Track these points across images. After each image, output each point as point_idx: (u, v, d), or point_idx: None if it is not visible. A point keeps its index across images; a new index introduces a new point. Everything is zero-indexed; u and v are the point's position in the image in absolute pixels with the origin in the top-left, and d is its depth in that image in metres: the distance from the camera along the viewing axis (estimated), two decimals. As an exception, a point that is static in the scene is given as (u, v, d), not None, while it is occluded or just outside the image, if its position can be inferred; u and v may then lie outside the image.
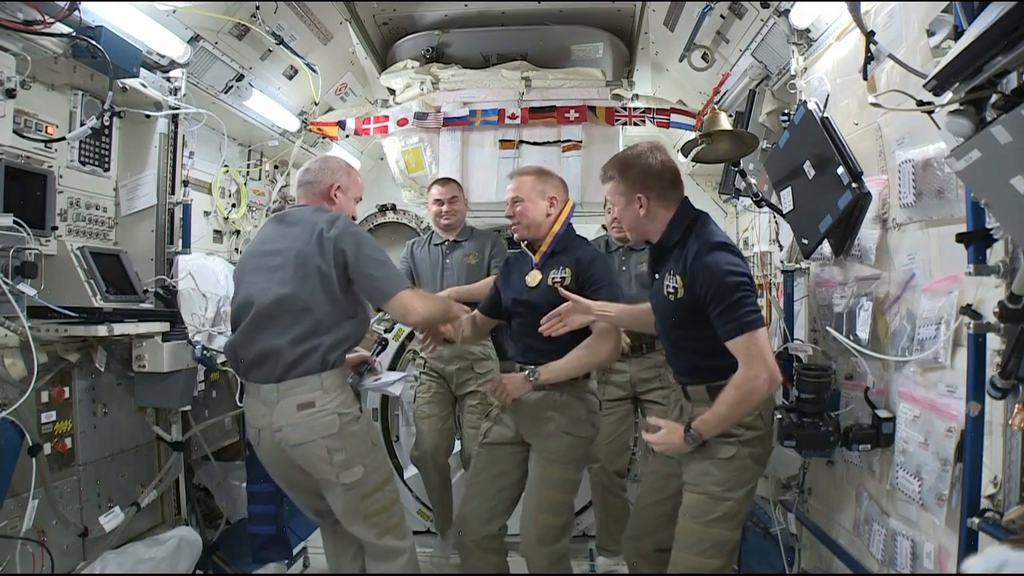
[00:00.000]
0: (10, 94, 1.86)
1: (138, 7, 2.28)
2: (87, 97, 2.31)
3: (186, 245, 2.71)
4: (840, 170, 1.85)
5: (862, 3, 1.72)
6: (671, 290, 1.84)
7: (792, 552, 2.44)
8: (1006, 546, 1.14)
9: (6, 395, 1.91)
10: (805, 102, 2.07)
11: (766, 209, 2.57)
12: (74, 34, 1.99)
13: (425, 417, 3.09)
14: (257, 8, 2.72)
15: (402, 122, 3.35)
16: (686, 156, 2.37)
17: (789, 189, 2.17)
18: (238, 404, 2.65)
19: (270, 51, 3.00)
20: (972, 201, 1.37)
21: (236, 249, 3.46)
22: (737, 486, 1.80)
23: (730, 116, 2.53)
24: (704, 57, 3.04)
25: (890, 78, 1.73)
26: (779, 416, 1.96)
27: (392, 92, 3.48)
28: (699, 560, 1.80)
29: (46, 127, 2.14)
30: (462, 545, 2.31)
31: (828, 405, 1.97)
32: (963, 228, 1.40)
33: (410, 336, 3.41)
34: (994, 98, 1.15)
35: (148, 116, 2.51)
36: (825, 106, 2.07)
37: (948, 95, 1.27)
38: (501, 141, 3.31)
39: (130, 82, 2.30)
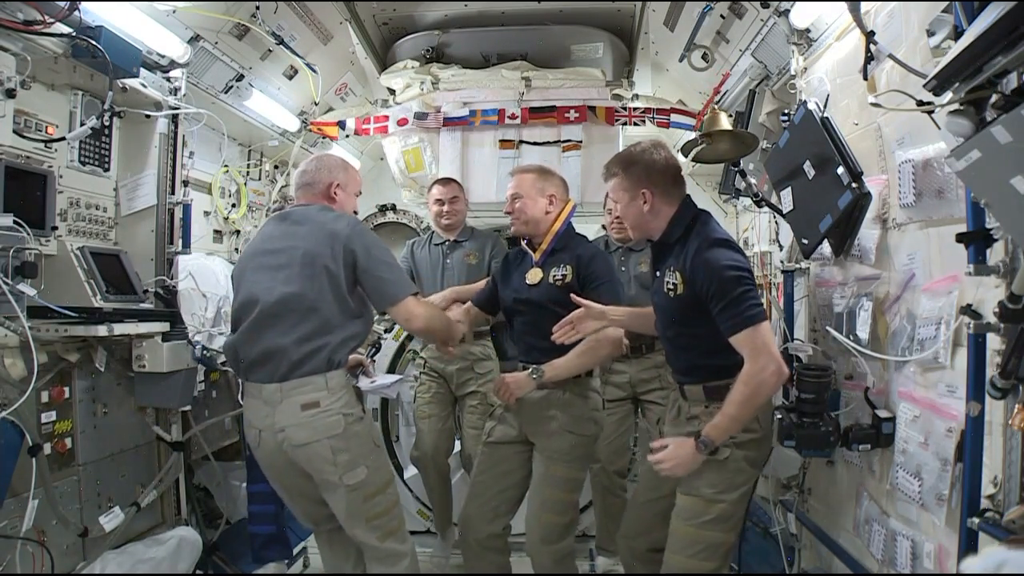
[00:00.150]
0: (10, 94, 1.86)
1: (138, 7, 2.28)
2: (87, 97, 2.31)
3: (186, 245, 2.71)
4: (840, 170, 1.86)
5: (862, 3, 1.72)
6: (671, 287, 1.84)
7: (792, 552, 2.44)
8: (1004, 546, 1.14)
9: (6, 395, 1.91)
10: (805, 102, 2.07)
11: (766, 209, 2.57)
12: (74, 34, 1.99)
13: (425, 417, 3.08)
14: (257, 8, 2.72)
15: (402, 122, 3.35)
16: (686, 156, 2.37)
17: (789, 189, 2.17)
18: (239, 403, 2.65)
19: (270, 51, 3.00)
20: (972, 201, 1.37)
21: (236, 249, 3.46)
22: (731, 489, 1.78)
23: (730, 116, 2.53)
24: (704, 57, 3.04)
25: (890, 78, 1.73)
26: (779, 416, 1.96)
27: (392, 92, 3.48)
28: (692, 563, 1.79)
29: (46, 127, 2.14)
30: (465, 544, 2.31)
31: (828, 405, 1.97)
32: (963, 228, 1.40)
33: (410, 336, 3.41)
34: (994, 98, 1.15)
35: (148, 116, 2.51)
36: (825, 106, 2.07)
37: (948, 95, 1.27)
38: (501, 141, 3.31)
39: (130, 82, 2.30)
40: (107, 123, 2.40)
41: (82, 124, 2.24)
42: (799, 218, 2.15)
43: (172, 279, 2.55)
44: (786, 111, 2.36)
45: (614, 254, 2.98)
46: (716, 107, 2.56)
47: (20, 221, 1.88)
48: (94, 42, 1.99)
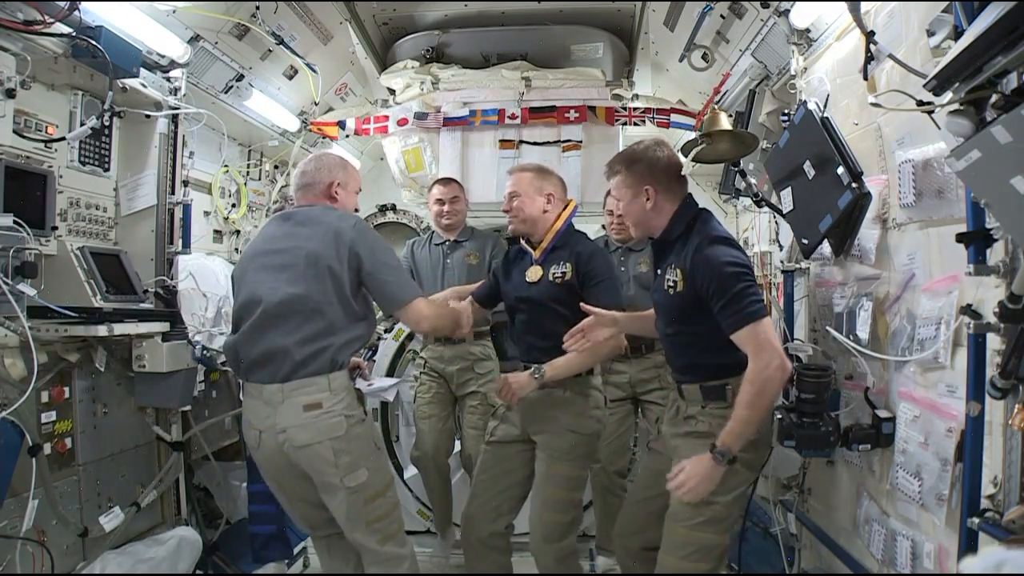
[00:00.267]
0: (10, 94, 1.86)
1: (138, 7, 2.28)
2: (87, 97, 2.31)
3: (186, 245, 2.71)
4: (840, 170, 1.85)
5: (862, 3, 1.71)
6: (671, 284, 1.84)
7: (792, 552, 2.44)
8: (1003, 546, 1.14)
9: (6, 395, 1.91)
10: (805, 102, 2.07)
11: (766, 209, 2.57)
12: (74, 34, 1.99)
13: (425, 417, 3.08)
14: (257, 8, 2.72)
15: (402, 122, 3.35)
16: (686, 156, 2.36)
17: (789, 189, 2.17)
18: (240, 403, 2.65)
19: (270, 51, 3.00)
20: (972, 201, 1.37)
21: (236, 249, 3.46)
22: (724, 491, 1.76)
23: (730, 116, 2.53)
24: (704, 57, 3.04)
25: (890, 78, 1.73)
26: (779, 416, 1.96)
27: (392, 92, 3.48)
28: (685, 564, 1.78)
29: (46, 127, 2.14)
30: (467, 543, 2.31)
31: (828, 405, 1.97)
32: (963, 228, 1.40)
33: (410, 336, 3.41)
34: (994, 98, 1.15)
35: (148, 116, 2.51)
36: (825, 106, 2.07)
37: (948, 95, 1.26)
38: (501, 141, 3.31)
39: (130, 82, 2.30)
40: (107, 123, 2.40)
41: (82, 124, 2.24)
42: (799, 218, 2.15)
43: (172, 279, 2.55)
44: (786, 111, 2.36)
45: (613, 254, 2.98)
46: (716, 107, 2.55)
47: (20, 221, 1.88)
48: (94, 42, 1.99)
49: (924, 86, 1.28)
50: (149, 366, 2.36)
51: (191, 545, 2.54)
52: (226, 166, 3.28)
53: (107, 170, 2.49)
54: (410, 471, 3.34)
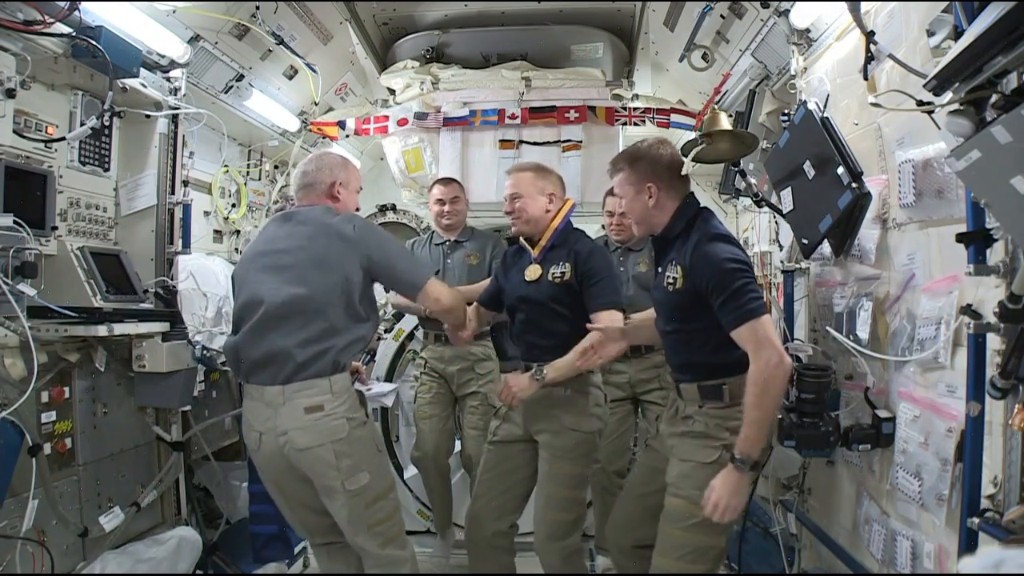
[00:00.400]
0: (10, 94, 1.86)
1: (138, 7, 2.28)
2: (87, 97, 2.31)
3: (186, 245, 2.71)
4: (840, 170, 1.86)
5: (862, 3, 1.71)
6: (671, 280, 1.84)
7: (792, 552, 2.44)
8: (1000, 547, 1.14)
9: (6, 395, 1.91)
10: (805, 102, 2.08)
11: (766, 209, 2.57)
12: (74, 34, 1.99)
13: (426, 417, 3.08)
14: (257, 8, 2.71)
15: (402, 122, 3.35)
16: (686, 156, 2.37)
17: (789, 189, 2.17)
18: (240, 403, 2.65)
19: (270, 51, 3.00)
20: (972, 201, 1.37)
21: (236, 249, 3.46)
22: None
23: (730, 116, 2.53)
24: (704, 57, 3.04)
25: (890, 78, 1.73)
26: (779, 416, 1.96)
27: (392, 92, 3.48)
28: (680, 566, 1.78)
29: (46, 127, 2.14)
30: (471, 543, 2.31)
31: (828, 405, 1.97)
32: (963, 228, 1.40)
33: (410, 336, 3.41)
34: (994, 98, 1.15)
35: (148, 116, 2.51)
36: (825, 106, 2.07)
37: (948, 95, 1.27)
38: (501, 141, 3.30)
39: (130, 82, 2.30)
40: (107, 123, 2.40)
41: (82, 124, 2.23)
42: (799, 218, 2.15)
43: (172, 279, 2.55)
44: (786, 111, 2.37)
45: (613, 254, 2.98)
46: (716, 107, 2.55)
47: (20, 221, 1.87)
48: (94, 42, 1.99)
49: (924, 86, 1.28)
50: (149, 366, 2.36)
51: (191, 545, 2.54)
52: (226, 166, 3.28)
53: (107, 170, 2.49)
54: (410, 471, 3.34)
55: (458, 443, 3.29)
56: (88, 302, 2.14)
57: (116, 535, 2.32)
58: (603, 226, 3.22)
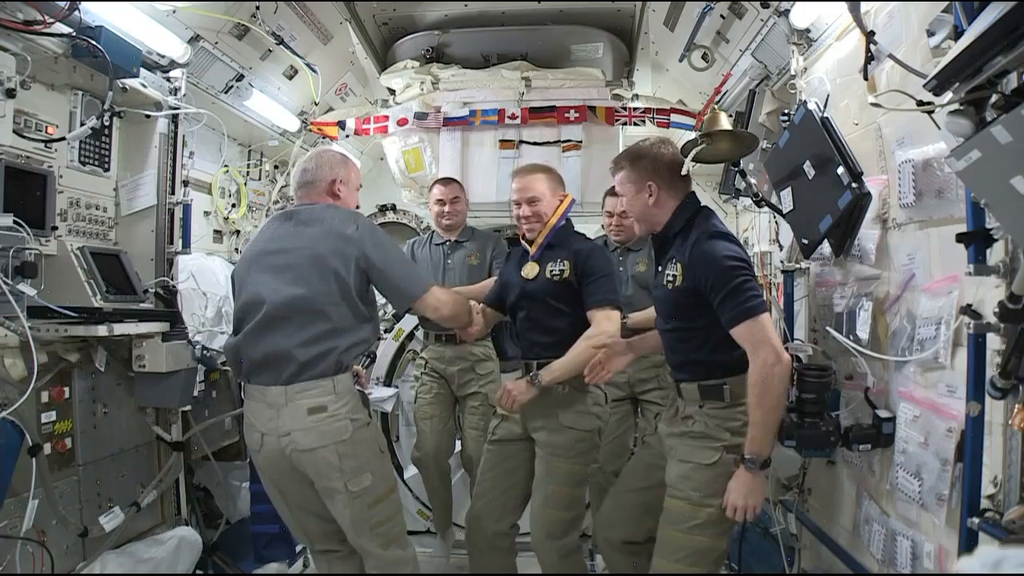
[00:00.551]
0: (10, 94, 1.86)
1: (138, 7, 2.28)
2: (87, 97, 2.30)
3: (186, 245, 2.71)
4: (840, 170, 1.85)
5: (862, 3, 1.72)
6: (670, 278, 1.85)
7: (792, 552, 2.44)
8: (999, 546, 1.14)
9: (6, 395, 1.91)
10: (805, 102, 2.07)
11: (766, 209, 2.57)
12: (74, 34, 1.99)
13: (427, 418, 3.08)
14: (257, 8, 2.71)
15: (402, 122, 3.35)
16: (686, 156, 2.37)
17: (789, 189, 2.17)
18: (240, 403, 2.65)
19: (270, 51, 3.00)
20: (972, 201, 1.37)
21: (236, 249, 3.46)
22: (719, 493, 1.74)
23: (730, 116, 2.53)
24: (704, 57, 3.04)
25: (890, 78, 1.73)
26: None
27: (392, 92, 3.48)
28: (679, 568, 1.77)
29: (46, 127, 2.14)
30: (472, 543, 2.31)
31: (828, 405, 1.97)
32: (963, 228, 1.40)
33: (410, 336, 3.41)
34: (994, 98, 1.15)
35: (148, 116, 2.51)
36: (825, 106, 2.07)
37: (948, 95, 1.27)
38: (501, 141, 3.31)
39: (130, 82, 2.30)
40: (107, 123, 2.39)
41: (82, 124, 2.23)
42: (799, 218, 2.15)
43: (172, 279, 2.55)
44: (786, 111, 2.36)
45: (612, 254, 2.99)
46: (716, 107, 2.55)
47: (20, 221, 1.87)
48: (94, 42, 1.99)
49: (924, 86, 1.28)
50: (149, 366, 2.36)
51: (191, 545, 2.54)
52: (226, 166, 3.28)
53: (107, 170, 2.49)
54: (410, 471, 3.34)
55: (458, 443, 3.29)
56: (88, 302, 2.14)
57: (116, 535, 2.32)
58: (603, 226, 3.22)
